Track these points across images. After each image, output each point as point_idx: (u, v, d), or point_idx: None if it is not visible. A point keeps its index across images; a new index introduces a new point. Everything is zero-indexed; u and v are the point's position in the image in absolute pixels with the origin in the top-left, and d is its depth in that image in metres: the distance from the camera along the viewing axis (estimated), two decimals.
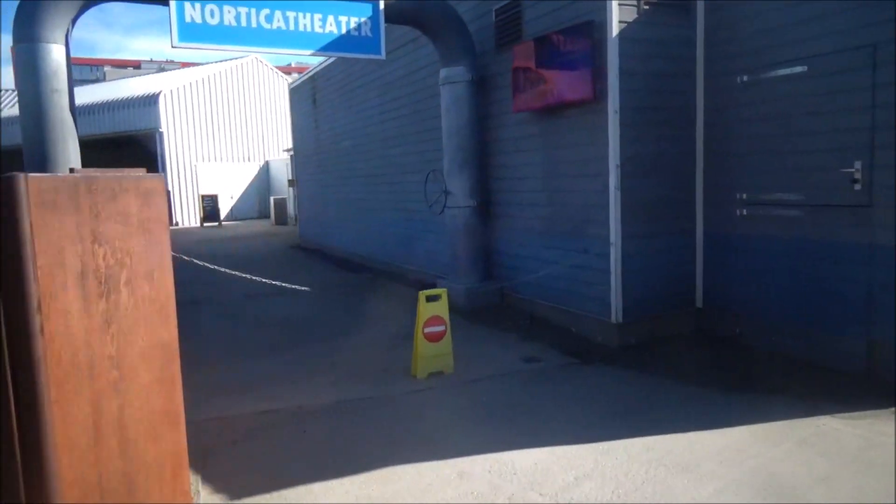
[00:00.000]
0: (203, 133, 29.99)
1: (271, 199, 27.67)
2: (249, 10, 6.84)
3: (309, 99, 16.17)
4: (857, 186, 5.31)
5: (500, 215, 8.45)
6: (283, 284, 6.56)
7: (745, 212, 6.30)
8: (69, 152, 6.36)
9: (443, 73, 8.32)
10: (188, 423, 3.48)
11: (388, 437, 4.49)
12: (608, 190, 6.42)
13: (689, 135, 6.73)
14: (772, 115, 6.01)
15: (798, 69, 5.71)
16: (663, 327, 6.76)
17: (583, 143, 6.79)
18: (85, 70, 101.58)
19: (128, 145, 30.31)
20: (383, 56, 7.62)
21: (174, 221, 28.93)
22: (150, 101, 28.53)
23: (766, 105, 6.05)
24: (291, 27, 7.09)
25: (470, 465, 4.04)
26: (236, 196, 31.20)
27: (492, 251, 8.63)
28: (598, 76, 6.41)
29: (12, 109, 32.48)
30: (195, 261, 7.25)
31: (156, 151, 28.72)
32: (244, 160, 31.60)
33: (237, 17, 6.82)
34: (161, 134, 28.52)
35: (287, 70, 43.53)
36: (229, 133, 31.02)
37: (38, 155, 6.25)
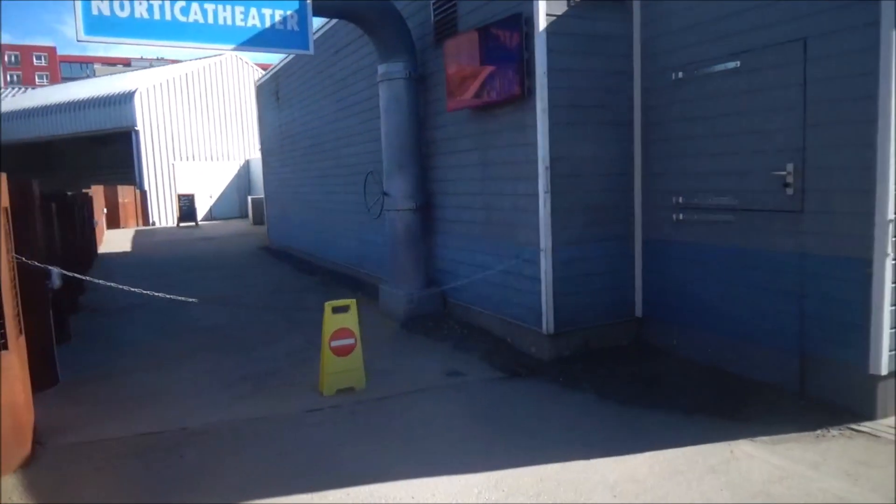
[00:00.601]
0: (181, 131, 29.56)
1: (249, 198, 27.27)
2: (163, 1, 6.46)
3: (273, 96, 15.78)
4: (789, 191, 4.96)
5: (440, 218, 8.08)
6: (174, 297, 6.14)
7: (681, 216, 5.94)
8: None
9: (380, 69, 7.95)
10: (63, 447, 3.08)
11: (264, 464, 4.13)
12: (538, 193, 6.06)
13: (627, 135, 6.37)
14: (705, 114, 5.65)
15: (730, 65, 5.35)
16: (601, 338, 6.40)
17: (513, 144, 6.43)
18: (75, 68, 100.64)
19: (104, 144, 29.92)
20: (311, 51, 7.24)
21: (151, 221, 28.53)
22: (126, 98, 28.11)
23: (699, 103, 5.70)
24: (210, 20, 6.71)
25: (336, 499, 3.67)
26: (216, 195, 30.79)
27: (434, 256, 8.27)
28: (527, 72, 6.04)
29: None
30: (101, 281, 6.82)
31: (132, 150, 28.32)
32: (224, 159, 31.19)
33: (149, 10, 6.42)
34: (137, 132, 28.10)
35: (268, 67, 43.07)
36: (209, 131, 30.61)
37: None
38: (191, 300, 6.33)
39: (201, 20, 6.66)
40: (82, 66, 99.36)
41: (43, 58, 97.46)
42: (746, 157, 5.31)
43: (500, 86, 6.31)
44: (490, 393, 5.33)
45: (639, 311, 6.54)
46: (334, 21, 10.43)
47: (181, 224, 26.87)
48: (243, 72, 31.77)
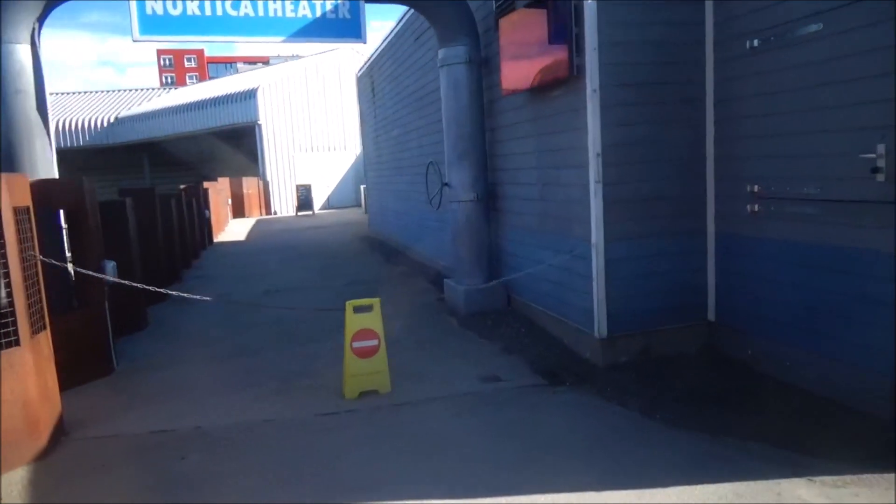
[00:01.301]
0: (300, 124, 30.80)
1: (361, 187, 27.93)
2: None
3: (369, 87, 15.89)
4: (880, 177, 4.06)
5: (502, 210, 7.63)
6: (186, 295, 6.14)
7: (756, 208, 5.12)
8: (36, 153, 6.34)
9: (441, 53, 7.60)
10: (81, 440, 3.06)
11: (263, 470, 3.98)
12: (588, 183, 5.47)
13: (697, 115, 5.59)
14: (783, 87, 4.80)
15: (811, 28, 4.49)
16: (665, 344, 5.71)
17: (565, 129, 5.86)
18: (220, 68, 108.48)
19: (231, 138, 31.87)
20: (364, 41, 7.05)
21: (272, 211, 30.06)
22: (249, 95, 29.69)
23: (776, 75, 4.85)
24: (260, 13, 6.68)
25: None
26: (333, 185, 31.86)
27: (498, 250, 7.84)
28: (577, 49, 5.45)
29: None
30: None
31: (255, 143, 29.93)
32: (342, 149, 32.15)
33: (201, 6, 6.50)
34: (260, 126, 29.63)
35: None
36: (327, 122, 31.64)
37: (5, 156, 6.28)
38: (204, 298, 6.35)
39: (251, 13, 6.65)
40: (227, 66, 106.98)
41: (193, 59, 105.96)
42: (830, 137, 4.44)
43: (550, 65, 5.76)
44: (522, 403, 4.88)
45: (711, 316, 5.76)
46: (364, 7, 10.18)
47: (299, 213, 28.05)
48: (358, 63, 32.52)
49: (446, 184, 7.71)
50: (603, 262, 5.46)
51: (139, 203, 8.26)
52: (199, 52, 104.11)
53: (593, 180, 5.39)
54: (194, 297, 6.26)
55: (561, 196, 6.07)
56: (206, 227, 16.09)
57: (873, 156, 4.08)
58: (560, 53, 5.58)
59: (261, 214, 29.40)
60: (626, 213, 5.50)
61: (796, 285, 4.83)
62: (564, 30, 5.52)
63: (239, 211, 28.15)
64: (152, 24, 6.40)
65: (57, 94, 40.23)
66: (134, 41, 6.38)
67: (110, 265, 5.98)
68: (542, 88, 6.15)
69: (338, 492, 3.67)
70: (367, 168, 17.96)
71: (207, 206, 16.62)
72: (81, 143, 34.76)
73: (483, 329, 6.93)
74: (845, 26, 4.22)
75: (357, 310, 4.99)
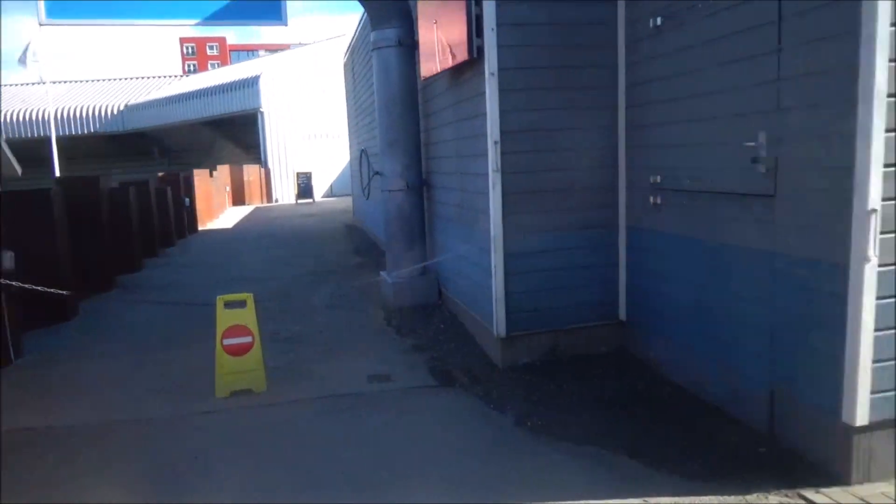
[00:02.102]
0: (303, 111, 30.65)
1: None
2: None
3: (350, 74, 15.64)
4: (761, 168, 3.70)
5: (434, 200, 7.34)
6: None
7: (658, 200, 4.77)
8: None
9: (372, 36, 7.30)
10: None
11: (79, 473, 3.78)
12: (487, 172, 5.16)
13: (609, 101, 5.23)
14: (679, 70, 4.44)
15: (704, 2, 4.11)
16: (575, 344, 5.40)
17: (473, 116, 5.54)
18: (243, 56, 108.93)
19: (233, 125, 31.90)
20: (285, 23, 6.78)
21: (273, 198, 30.04)
22: (252, 83, 29.62)
23: (674, 57, 4.49)
24: None
25: None
26: (335, 173, 31.71)
27: (432, 242, 7.56)
28: (478, 30, 5.12)
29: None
30: None
31: (258, 130, 29.89)
32: (344, 137, 31.93)
33: None
34: (262, 114, 29.55)
35: None
36: (328, 110, 31.44)
37: None
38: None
39: None
40: (249, 54, 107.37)
41: (215, 47, 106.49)
42: (718, 124, 4.08)
43: (456, 48, 5.44)
44: (398, 407, 4.60)
45: (622, 314, 5.43)
46: None
47: (299, 201, 27.95)
48: None
49: (378, 172, 7.44)
50: (502, 256, 5.15)
51: (73, 192, 8.12)
52: (222, 40, 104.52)
53: (491, 170, 5.08)
54: None
55: (471, 186, 5.77)
56: (186, 215, 16.02)
57: (754, 144, 3.72)
58: (460, 34, 5.26)
59: (261, 202, 29.39)
60: (530, 205, 5.17)
61: (689, 284, 4.49)
62: (465, 9, 5.19)
63: (239, 198, 28.15)
64: (59, 8, 6.20)
65: (71, 82, 40.66)
66: (40, 25, 6.18)
67: (7, 255, 5.82)
68: (455, 72, 5.84)
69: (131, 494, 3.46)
70: (352, 155, 17.75)
71: (189, 194, 16.54)
72: (93, 131, 35.09)
73: (404, 324, 6.67)
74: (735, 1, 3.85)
75: (229, 305, 4.76)
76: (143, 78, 42.80)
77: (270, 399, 4.75)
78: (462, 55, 5.27)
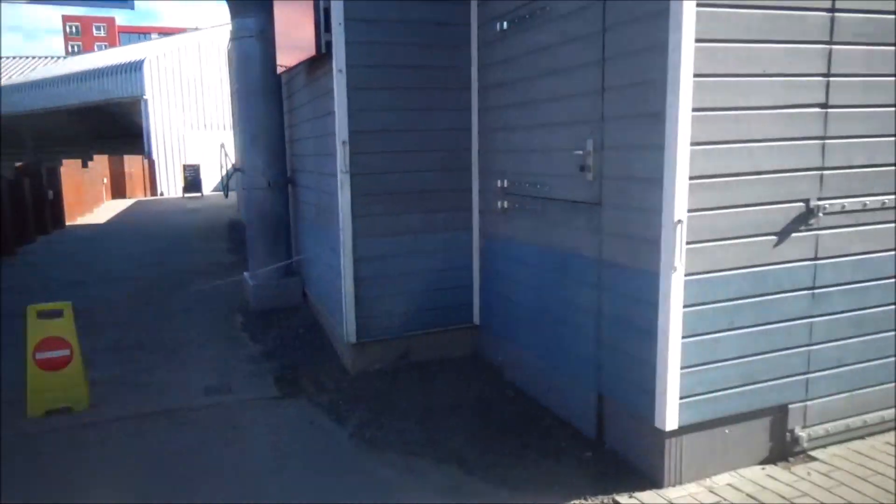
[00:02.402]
0: (193, 100, 29.21)
1: None
2: None
3: (231, 62, 14.95)
4: (588, 176, 3.73)
5: (298, 199, 7.08)
6: None
7: (505, 204, 4.76)
8: None
9: (232, 25, 6.93)
10: None
11: None
12: (336, 173, 4.98)
13: (463, 103, 5.17)
14: (520, 74, 4.44)
15: (540, 6, 4.11)
16: (429, 350, 5.31)
17: (325, 113, 5.34)
18: (133, 37, 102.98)
19: (114, 112, 29.94)
20: (132, 7, 6.30)
21: (159, 192, 28.47)
22: (135, 67, 27.90)
23: (516, 61, 4.48)
24: None
25: None
26: (227, 165, 30.44)
27: (297, 243, 7.29)
28: (327, 24, 4.92)
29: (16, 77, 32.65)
30: None
31: (141, 119, 28.19)
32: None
33: None
34: (146, 101, 27.90)
35: None
36: (220, 100, 30.14)
37: None
38: None
39: None
40: (141, 36, 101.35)
41: (102, 28, 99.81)
42: (555, 131, 4.09)
43: (306, 42, 5.22)
44: (224, 423, 4.34)
45: (476, 319, 5.40)
46: None
47: (186, 195, 26.61)
48: None
49: (238, 168, 7.09)
50: (352, 260, 4.99)
51: None
52: (110, 21, 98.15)
53: (340, 171, 4.90)
54: None
55: (325, 186, 5.57)
56: (50, 209, 14.81)
57: (581, 153, 3.74)
58: (309, 29, 5.04)
59: (145, 195, 27.77)
60: (381, 208, 5.04)
61: (530, 289, 4.50)
62: (315, 3, 4.98)
63: (119, 191, 26.45)
64: None
65: None
66: None
67: None
68: (311, 68, 5.62)
69: None
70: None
71: (54, 187, 15.31)
72: None
73: (260, 329, 6.38)
74: (565, 8, 3.85)
75: (43, 315, 4.33)
76: (19, 58, 39.49)
77: (90, 417, 4.36)
78: (312, 50, 5.05)
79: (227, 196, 7.46)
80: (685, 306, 3.18)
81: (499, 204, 4.79)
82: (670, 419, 3.25)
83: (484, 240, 5.21)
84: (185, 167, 26.91)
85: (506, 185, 4.70)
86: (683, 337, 3.21)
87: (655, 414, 3.29)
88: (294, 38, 5.55)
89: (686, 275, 3.16)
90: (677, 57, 2.98)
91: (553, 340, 4.25)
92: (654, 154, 3.16)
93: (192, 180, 26.73)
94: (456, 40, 5.07)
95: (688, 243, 3.14)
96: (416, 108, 5.04)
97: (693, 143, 3.06)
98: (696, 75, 3.01)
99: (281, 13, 5.94)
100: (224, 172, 7.50)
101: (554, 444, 3.88)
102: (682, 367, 3.23)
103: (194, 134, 29.37)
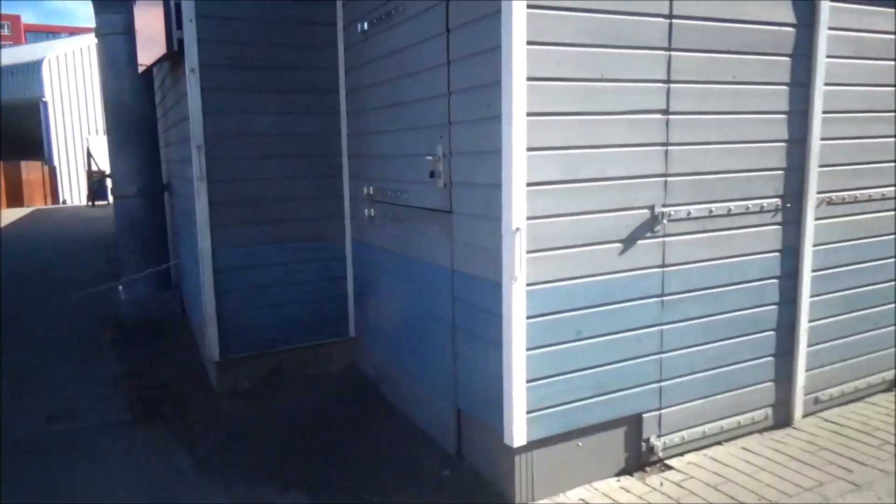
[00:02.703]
0: (100, 104, 27.72)
1: None
2: None
3: None
4: (439, 183, 3.58)
5: (174, 207, 6.69)
6: None
7: (371, 212, 4.57)
8: None
9: (97, 22, 6.47)
10: None
11: None
12: (192, 179, 4.66)
13: (332, 106, 4.96)
14: (379, 77, 4.28)
15: (394, 6, 3.94)
16: (305, 364, 5.07)
17: (184, 117, 5.01)
18: (41, 36, 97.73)
19: (11, 115, 28.11)
20: None
21: (61, 200, 26.89)
22: (34, 68, 26.28)
23: (375, 64, 4.31)
24: None
25: None
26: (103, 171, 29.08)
27: (176, 253, 6.88)
28: (178, 20, 4.60)
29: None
30: None
31: (39, 123, 26.56)
32: None
33: None
34: (45, 104, 26.30)
35: None
36: None
37: None
38: None
39: None
40: (49, 36, 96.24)
41: (6, 27, 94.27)
42: (411, 136, 3.93)
43: (158, 39, 4.88)
44: (59, 454, 3.96)
45: (352, 331, 5.19)
46: None
47: (93, 203, 25.19)
48: None
49: (104, 175, 6.62)
50: (211, 272, 4.68)
51: None
52: (16, 19, 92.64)
53: (196, 177, 4.59)
54: None
55: (189, 193, 5.23)
56: None
57: (431, 158, 3.59)
58: (161, 25, 4.71)
59: (45, 203, 26.16)
60: (245, 216, 4.76)
61: (397, 300, 4.33)
62: None
63: (16, 199, 24.80)
64: None
65: None
66: None
67: None
68: (172, 66, 5.27)
69: None
70: None
71: None
72: None
73: (128, 346, 5.95)
74: (414, 9, 3.70)
75: None
76: None
77: None
78: (163, 48, 4.72)
79: (93, 205, 6.94)
80: (528, 317, 3.06)
81: (366, 212, 4.60)
82: (518, 435, 3.12)
83: (356, 249, 5.00)
84: (90, 174, 25.50)
85: (372, 192, 4.51)
86: (528, 349, 3.09)
87: (504, 429, 3.16)
88: (150, 35, 5.20)
89: (528, 285, 3.04)
90: (509, 59, 2.86)
91: (417, 354, 4.09)
92: (493, 159, 3.04)
93: (99, 188, 25.33)
94: (322, 40, 4.85)
95: (528, 252, 3.02)
96: (281, 111, 4.79)
97: (530, 148, 2.95)
98: (529, 78, 2.90)
99: (139, 9, 5.57)
100: (90, 180, 6.98)
101: (415, 462, 3.71)
102: (528, 381, 3.11)
103: (101, 139, 27.89)
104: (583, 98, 3.05)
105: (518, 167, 2.93)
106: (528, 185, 2.98)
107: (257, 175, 4.77)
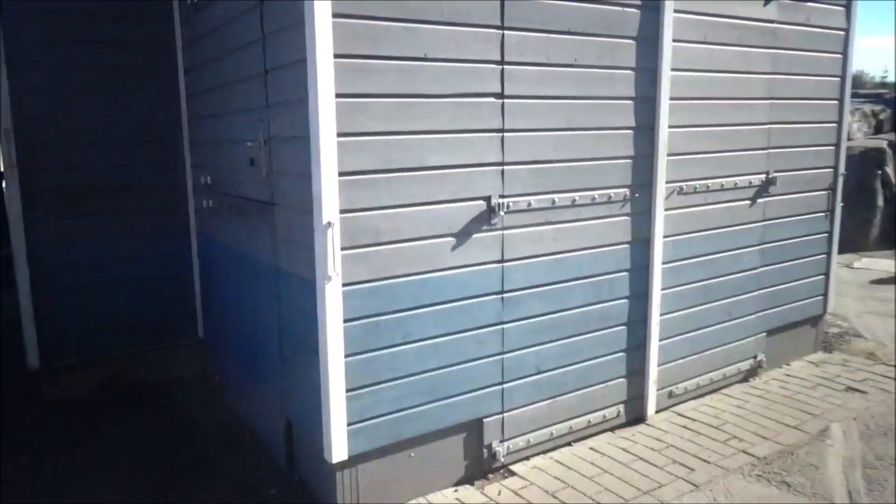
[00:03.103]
0: None
1: None
2: None
3: None
4: (261, 171, 3.23)
5: None
6: None
7: (211, 203, 4.16)
8: None
9: None
10: None
11: None
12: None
13: (169, 87, 4.49)
14: (212, 53, 3.87)
15: None
16: (148, 369, 4.61)
17: None
18: None
19: None
20: None
21: None
22: None
23: (211, 38, 3.90)
24: None
25: None
26: None
27: None
28: None
29: None
30: None
31: None
32: None
33: None
34: None
35: None
36: None
37: None
38: None
39: None
40: None
41: None
42: (234, 120, 3.56)
43: None
44: None
45: (201, 331, 4.78)
46: None
47: None
48: None
49: None
50: (28, 273, 4.17)
51: None
52: None
53: (4, 165, 4.05)
54: None
55: None
56: None
57: (251, 145, 3.24)
58: None
59: None
60: (67, 209, 4.26)
61: (234, 299, 3.97)
62: None
63: None
64: None
65: None
66: None
67: None
68: None
69: None
70: None
71: None
72: None
73: None
74: None
75: None
76: None
77: None
78: None
79: None
80: (347, 320, 2.77)
81: (205, 203, 4.19)
82: (337, 449, 2.84)
83: (202, 243, 4.59)
84: None
85: (209, 181, 4.11)
86: (347, 355, 2.80)
87: (324, 443, 2.87)
88: None
89: (345, 284, 2.75)
90: (313, 33, 2.54)
91: (251, 358, 3.75)
92: (303, 146, 2.72)
93: None
94: (157, 13, 4.38)
95: (344, 249, 2.72)
96: (109, 91, 4.31)
97: (342, 134, 2.65)
98: (338, 55, 2.59)
99: None
100: None
101: (245, 479, 3.37)
102: (348, 390, 2.82)
103: None
104: (403, 79, 2.77)
105: (327, 155, 2.62)
106: (342, 174, 2.68)
107: (83, 163, 4.27)
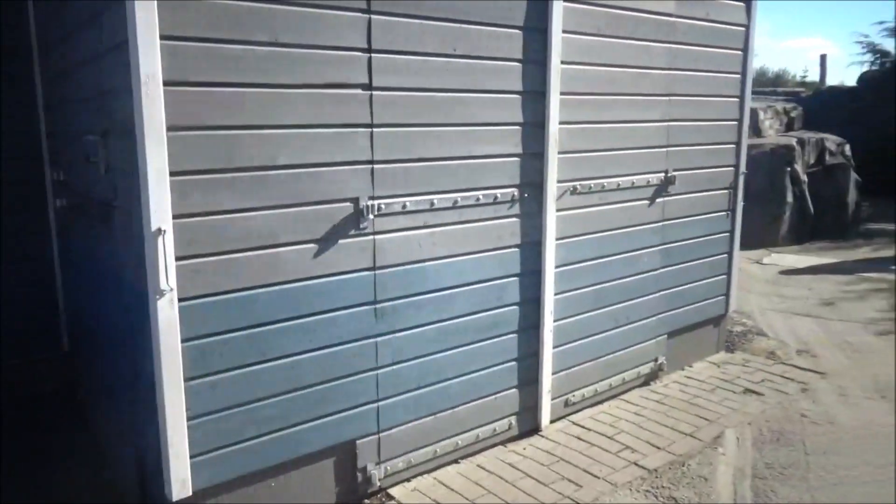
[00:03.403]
0: None
1: None
2: None
3: None
4: (101, 167, 2.85)
5: None
6: None
7: (64, 202, 3.73)
8: None
9: None
10: None
11: None
12: None
13: (20, 71, 4.00)
14: (62, 31, 3.44)
15: None
16: (20, 383, 4.12)
17: None
18: None
19: None
20: None
21: None
22: None
23: (60, 18, 3.46)
24: None
25: None
26: None
27: None
28: None
29: None
30: None
31: None
32: None
33: None
34: None
35: None
36: None
37: None
38: None
39: None
40: None
41: None
42: (80, 108, 3.16)
43: None
44: None
45: (66, 344, 4.33)
46: None
47: None
48: None
49: None
50: None
51: None
52: None
53: None
54: None
55: None
56: None
57: (92, 138, 2.85)
58: None
59: None
60: None
61: (91, 311, 3.56)
62: None
63: None
64: None
65: None
66: None
67: None
68: None
69: None
70: None
71: None
72: None
73: None
74: None
75: None
76: None
77: None
78: None
79: None
80: (185, 340, 2.45)
81: (57, 202, 3.76)
82: (178, 486, 2.51)
83: (62, 247, 4.13)
84: None
85: (61, 177, 3.68)
86: (187, 379, 2.48)
87: (163, 479, 2.54)
88: None
89: (182, 299, 2.42)
90: (133, 8, 2.19)
91: (110, 377, 3.36)
92: (128, 141, 2.37)
93: None
94: None
95: (180, 258, 2.39)
96: None
97: (173, 128, 2.32)
98: (165, 37, 2.25)
99: None
100: None
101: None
102: (189, 419, 2.50)
103: None
104: (249, 66, 2.46)
105: (154, 151, 2.29)
106: (175, 174, 2.34)
107: None
